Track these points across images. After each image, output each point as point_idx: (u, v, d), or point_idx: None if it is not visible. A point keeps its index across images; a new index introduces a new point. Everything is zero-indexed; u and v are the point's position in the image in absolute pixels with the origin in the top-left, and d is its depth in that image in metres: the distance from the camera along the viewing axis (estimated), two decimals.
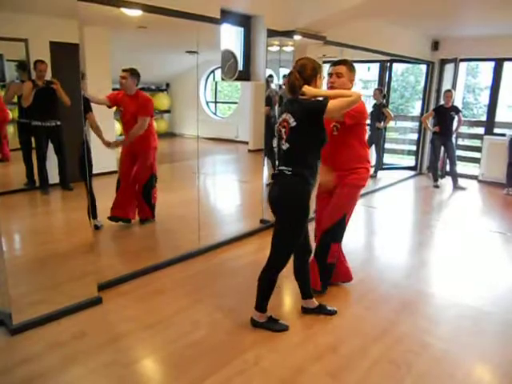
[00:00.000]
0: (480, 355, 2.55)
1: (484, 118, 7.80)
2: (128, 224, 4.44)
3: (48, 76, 3.95)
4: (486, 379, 2.41)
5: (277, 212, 2.62)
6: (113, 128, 6.12)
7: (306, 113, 2.49)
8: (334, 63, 2.93)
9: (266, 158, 4.87)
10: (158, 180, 4.51)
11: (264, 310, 2.72)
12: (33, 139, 4.06)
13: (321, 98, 2.56)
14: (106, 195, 4.59)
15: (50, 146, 4.13)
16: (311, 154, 2.55)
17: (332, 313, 2.93)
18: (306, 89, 2.51)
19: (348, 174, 3.01)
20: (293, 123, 2.48)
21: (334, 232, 3.09)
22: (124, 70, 4.19)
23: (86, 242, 3.39)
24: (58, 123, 3.96)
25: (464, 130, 8.02)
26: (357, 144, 3.02)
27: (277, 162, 2.72)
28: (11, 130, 4.37)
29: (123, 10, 3.09)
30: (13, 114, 4.17)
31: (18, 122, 4.15)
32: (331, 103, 2.46)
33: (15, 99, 3.87)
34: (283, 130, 2.54)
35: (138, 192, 4.44)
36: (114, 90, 5.98)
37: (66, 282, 3.12)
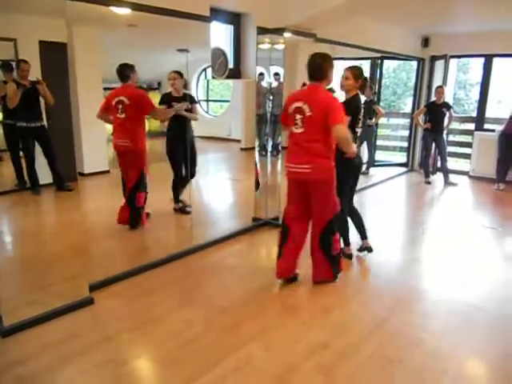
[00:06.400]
0: (472, 350, 2.57)
1: (475, 114, 7.84)
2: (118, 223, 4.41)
3: (38, 75, 3.92)
4: (478, 374, 2.44)
5: None
6: (104, 127, 6.08)
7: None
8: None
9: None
10: (145, 186, 4.25)
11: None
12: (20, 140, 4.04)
13: None
14: (97, 195, 4.58)
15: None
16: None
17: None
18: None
19: None
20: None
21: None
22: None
23: (77, 243, 3.38)
24: (43, 124, 3.92)
25: (455, 125, 8.07)
26: None
27: None
28: None
29: (112, 8, 3.07)
30: None
31: (2, 124, 4.11)
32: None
33: None
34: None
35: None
36: (104, 89, 5.96)
37: (57, 283, 3.10)
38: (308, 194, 3.13)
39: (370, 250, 3.85)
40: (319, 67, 2.99)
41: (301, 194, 3.17)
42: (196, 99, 4.53)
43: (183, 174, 4.63)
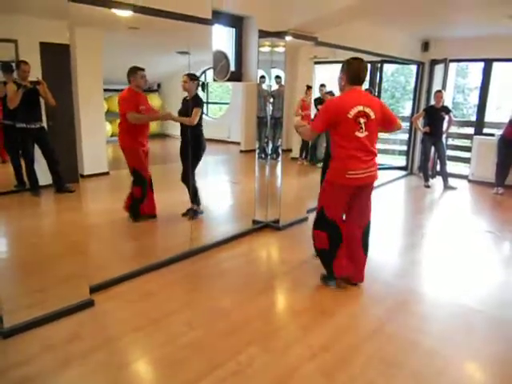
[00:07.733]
0: (471, 353, 2.58)
1: (474, 118, 7.86)
2: (119, 225, 4.43)
3: (39, 77, 3.91)
4: (476, 377, 2.44)
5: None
6: (103, 129, 6.09)
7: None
8: None
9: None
10: (139, 181, 4.40)
11: None
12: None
13: None
14: (97, 197, 4.57)
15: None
16: None
17: None
18: None
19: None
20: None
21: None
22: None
23: (77, 244, 3.37)
24: (43, 125, 3.93)
25: (454, 129, 8.09)
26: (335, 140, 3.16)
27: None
28: None
29: (114, 10, 3.08)
30: None
31: (2, 124, 4.12)
32: None
33: None
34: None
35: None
36: (105, 90, 5.96)
37: (58, 285, 3.09)
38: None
39: None
40: (365, 71, 3.12)
41: (349, 199, 3.23)
42: (199, 102, 4.49)
43: (188, 174, 4.67)
